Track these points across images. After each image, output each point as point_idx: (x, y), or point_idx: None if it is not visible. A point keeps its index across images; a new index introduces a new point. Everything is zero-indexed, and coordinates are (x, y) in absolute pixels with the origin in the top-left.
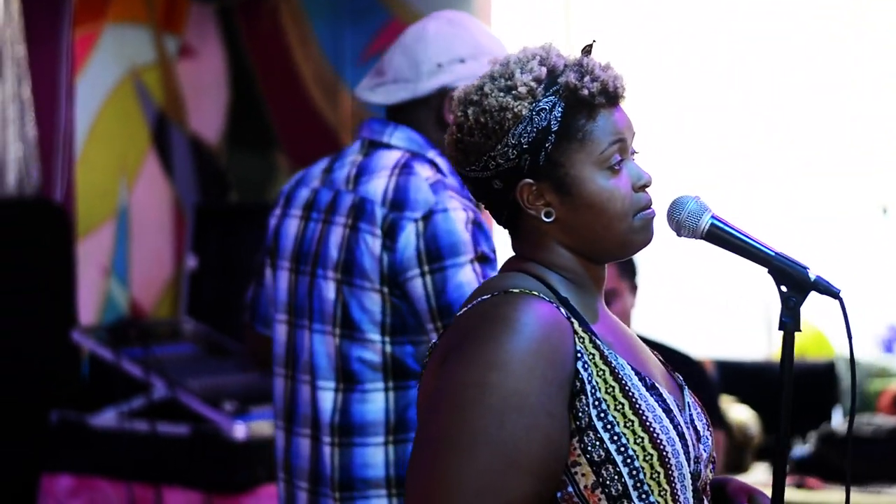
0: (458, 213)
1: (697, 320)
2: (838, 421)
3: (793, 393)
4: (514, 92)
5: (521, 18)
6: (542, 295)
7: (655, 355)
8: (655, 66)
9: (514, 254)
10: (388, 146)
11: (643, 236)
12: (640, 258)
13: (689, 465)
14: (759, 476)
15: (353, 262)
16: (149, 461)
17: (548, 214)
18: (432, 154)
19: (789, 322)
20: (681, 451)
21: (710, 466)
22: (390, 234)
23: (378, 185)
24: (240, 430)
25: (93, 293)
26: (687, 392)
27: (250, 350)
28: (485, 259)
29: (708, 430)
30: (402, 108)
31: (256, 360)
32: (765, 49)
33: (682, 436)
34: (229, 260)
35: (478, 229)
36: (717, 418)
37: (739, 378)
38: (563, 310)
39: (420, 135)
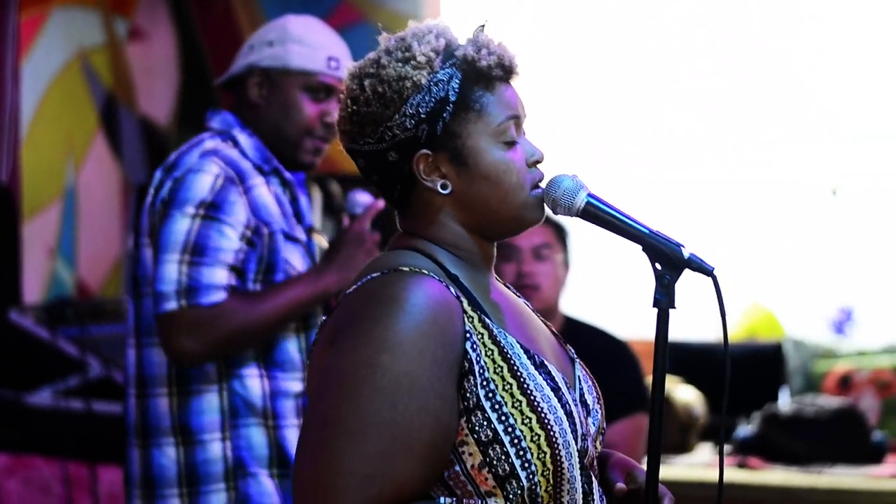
0: (207, 175)
1: (641, 300)
2: (785, 402)
3: (730, 373)
4: (412, 62)
5: (471, 14)
6: (431, 273)
7: (547, 326)
8: (606, 45)
9: (401, 231)
10: (209, 129)
11: (535, 213)
12: (583, 233)
13: (576, 443)
14: (704, 456)
15: (141, 222)
16: (84, 439)
17: (444, 186)
18: (236, 131)
19: (663, 299)
20: (568, 430)
21: (600, 439)
22: (155, 192)
23: (169, 158)
24: None
25: (38, 273)
26: (578, 365)
27: None
28: (210, 219)
29: (598, 402)
30: (232, 93)
31: None
32: (716, 31)
33: (570, 414)
34: None
35: (225, 193)
36: (638, 401)
37: (685, 359)
38: (452, 288)
39: (233, 116)
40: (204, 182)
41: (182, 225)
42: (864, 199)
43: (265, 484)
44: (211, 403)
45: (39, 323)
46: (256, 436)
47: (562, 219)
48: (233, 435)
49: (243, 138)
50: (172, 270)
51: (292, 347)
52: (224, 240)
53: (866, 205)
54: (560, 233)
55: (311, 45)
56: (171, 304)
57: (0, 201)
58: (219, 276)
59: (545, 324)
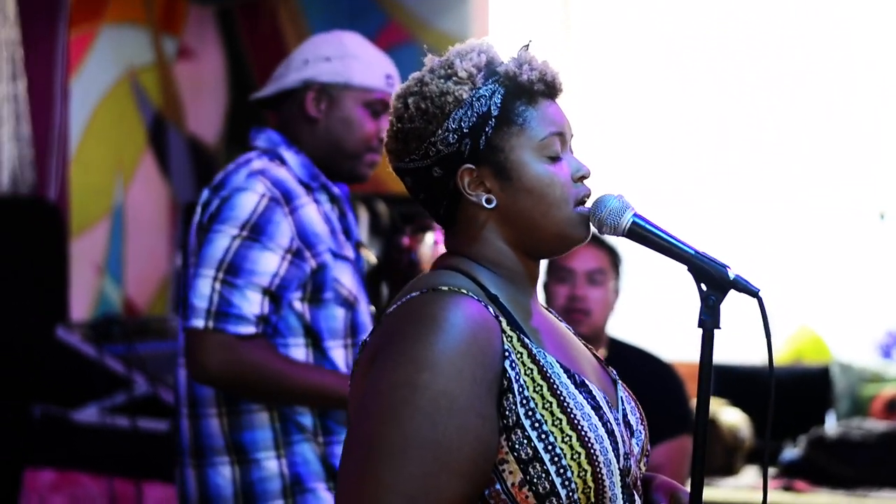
0: (252, 194)
1: (686, 321)
2: (831, 425)
3: (776, 396)
4: (454, 78)
5: (519, 21)
6: (470, 293)
7: (589, 349)
8: (656, 67)
9: (446, 250)
10: (255, 148)
11: (580, 231)
12: (634, 256)
13: (618, 462)
14: (749, 479)
15: (189, 240)
16: (130, 456)
17: (488, 201)
18: (282, 149)
19: (708, 320)
20: (609, 449)
21: (644, 460)
22: (203, 210)
23: (217, 177)
24: None
25: (86, 291)
26: (620, 387)
27: None
28: (251, 240)
29: (642, 423)
30: (277, 107)
31: None
32: (765, 52)
33: (611, 433)
34: None
35: (273, 214)
36: (681, 423)
37: (731, 381)
38: (491, 308)
39: (278, 134)
40: (249, 202)
41: (222, 243)
42: None
43: (324, 498)
44: (262, 421)
45: (86, 340)
46: (309, 452)
47: (616, 244)
48: (287, 452)
49: (290, 156)
50: (206, 286)
51: (340, 362)
52: (262, 262)
53: None
54: (614, 259)
55: (369, 61)
56: (199, 322)
57: (49, 219)
58: (251, 301)
59: (587, 346)
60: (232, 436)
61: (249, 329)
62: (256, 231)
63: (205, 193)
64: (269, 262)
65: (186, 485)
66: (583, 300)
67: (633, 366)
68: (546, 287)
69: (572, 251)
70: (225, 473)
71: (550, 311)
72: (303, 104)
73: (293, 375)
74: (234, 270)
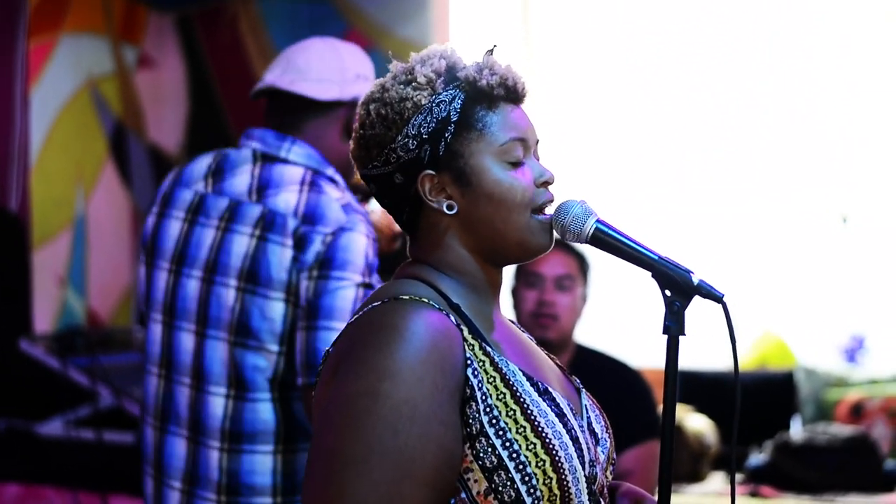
0: (362, 237)
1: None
2: (797, 430)
3: (742, 401)
4: (413, 83)
5: (480, 27)
6: (431, 302)
7: (552, 358)
8: (616, 73)
9: (409, 258)
10: (285, 161)
11: (542, 238)
12: (598, 263)
13: (584, 469)
14: (716, 485)
15: (259, 271)
16: (95, 469)
17: (450, 207)
18: (331, 171)
19: (673, 326)
20: (574, 456)
21: (610, 468)
22: (300, 245)
23: (289, 199)
24: None
25: (49, 302)
26: (584, 395)
27: None
28: (370, 287)
29: (607, 431)
30: (302, 118)
31: None
32: (728, 57)
33: (576, 440)
34: None
35: (375, 256)
36: (648, 428)
37: (697, 387)
38: (452, 317)
39: (316, 150)
40: (361, 245)
41: (350, 294)
42: (874, 227)
43: None
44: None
45: (50, 353)
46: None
47: (584, 251)
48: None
49: (339, 180)
50: None
51: None
52: None
53: (877, 232)
54: (583, 265)
55: None
56: None
57: (10, 230)
58: None
59: (549, 356)
60: (283, 476)
61: None
62: (371, 276)
63: (290, 223)
64: None
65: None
66: (551, 305)
67: (599, 372)
68: (514, 291)
69: (543, 258)
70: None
71: (513, 323)
72: (349, 120)
73: None
74: None
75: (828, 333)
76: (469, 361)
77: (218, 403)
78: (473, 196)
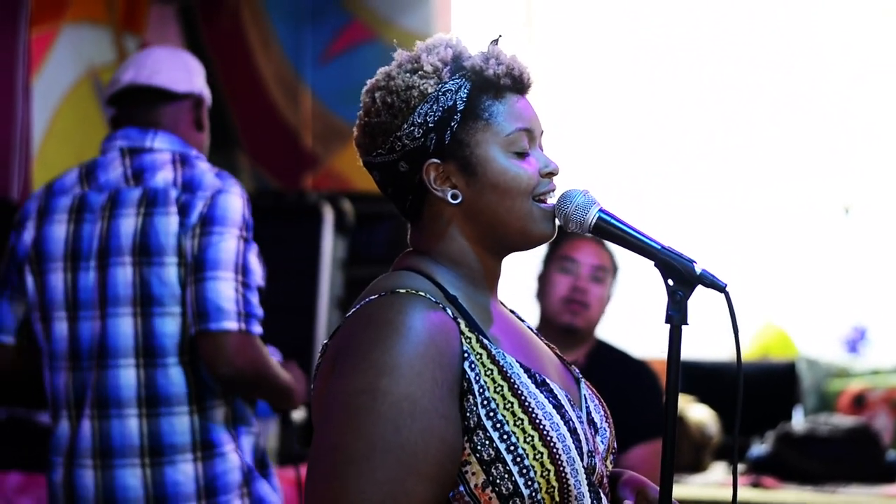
0: (237, 197)
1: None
2: (798, 421)
3: (744, 392)
4: (420, 72)
5: (482, 18)
6: (428, 295)
7: (551, 348)
8: (618, 63)
9: (410, 248)
10: (152, 150)
11: (545, 227)
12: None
13: (582, 460)
14: (718, 475)
15: (149, 242)
16: None
17: (454, 196)
18: (195, 152)
19: (676, 315)
20: (572, 447)
21: (610, 458)
22: (184, 211)
23: (167, 176)
24: None
25: None
26: (584, 385)
27: None
28: (248, 241)
29: (607, 421)
30: (160, 110)
31: None
32: (729, 47)
33: (573, 431)
34: None
35: (251, 216)
36: (656, 426)
37: (699, 378)
38: (449, 310)
39: (177, 137)
40: (239, 205)
41: (232, 245)
42: (876, 218)
43: (269, 484)
44: (220, 417)
45: None
46: (248, 444)
47: (614, 249)
48: (237, 446)
49: (202, 157)
50: (230, 289)
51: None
52: (257, 264)
53: (879, 223)
54: (614, 263)
55: None
56: (232, 324)
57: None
58: (257, 302)
59: (548, 345)
60: (201, 433)
61: (259, 328)
62: (250, 232)
63: (171, 194)
64: (257, 264)
65: (115, 483)
66: (584, 293)
67: (613, 367)
68: (544, 275)
69: (579, 245)
70: (187, 470)
71: (513, 312)
72: (199, 112)
73: (279, 372)
74: (246, 273)
75: (830, 324)
76: (466, 354)
77: (129, 375)
78: (478, 186)
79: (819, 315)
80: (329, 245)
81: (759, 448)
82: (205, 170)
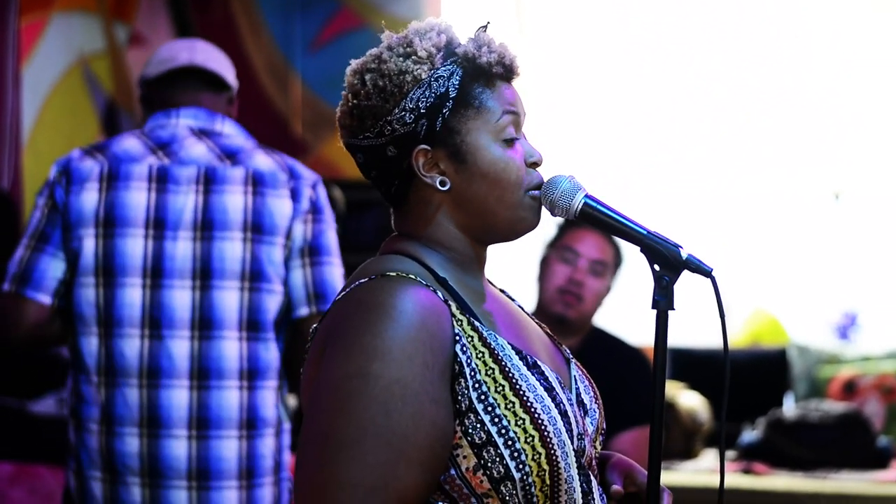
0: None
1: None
2: (789, 407)
3: (734, 379)
4: (413, 57)
5: (471, 5)
6: (418, 278)
7: (542, 327)
8: (608, 52)
9: (395, 232)
10: (221, 134)
11: (531, 217)
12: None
13: (572, 443)
14: (708, 462)
15: (262, 221)
16: None
17: (442, 183)
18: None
19: (662, 301)
20: (563, 430)
21: (599, 439)
22: (294, 196)
23: (266, 161)
24: None
25: None
26: (574, 365)
27: (19, 317)
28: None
29: (596, 402)
30: (217, 98)
31: (25, 328)
32: (719, 34)
33: (564, 414)
34: None
35: None
36: (644, 411)
37: (689, 365)
38: (440, 293)
39: (238, 125)
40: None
41: (334, 234)
42: (867, 204)
43: None
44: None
45: None
46: None
47: (621, 245)
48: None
49: None
50: (340, 276)
51: None
52: None
53: (870, 209)
54: (617, 257)
55: None
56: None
57: (2, 208)
58: None
59: (539, 325)
60: (279, 409)
61: None
62: None
63: (280, 178)
64: None
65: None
66: (580, 285)
67: (606, 353)
68: (545, 261)
69: (583, 236)
70: (270, 444)
71: (503, 292)
72: (231, 103)
73: None
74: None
75: (820, 310)
76: (458, 337)
77: (232, 346)
78: (468, 173)
79: (809, 301)
80: None
81: (749, 434)
82: (295, 160)
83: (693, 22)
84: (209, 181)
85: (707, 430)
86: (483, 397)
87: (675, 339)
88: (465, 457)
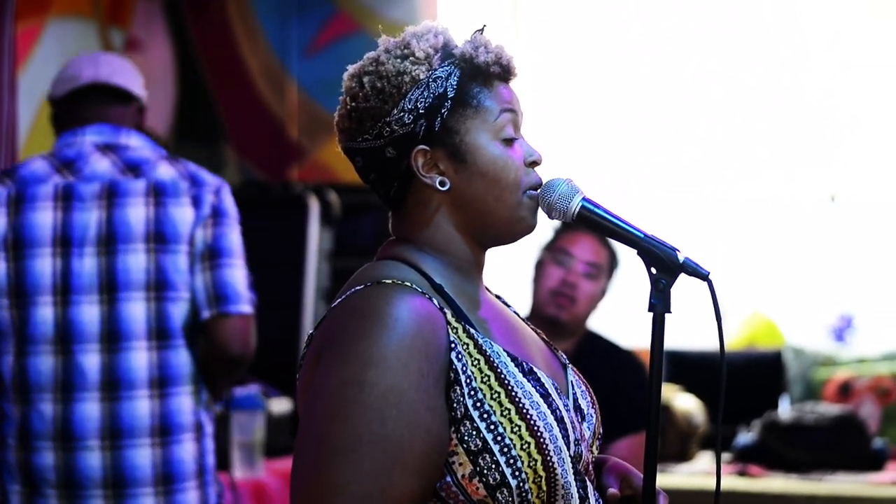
0: (230, 193)
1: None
2: (785, 409)
3: (730, 381)
4: (411, 58)
5: (467, 9)
6: (414, 285)
7: (538, 333)
8: (604, 55)
9: (392, 236)
10: (127, 147)
11: (530, 218)
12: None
13: (569, 449)
14: (704, 464)
15: (164, 230)
16: None
17: (442, 184)
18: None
19: (659, 304)
20: (559, 437)
21: (596, 444)
22: (196, 203)
23: (169, 171)
24: None
25: None
26: (570, 371)
27: None
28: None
29: (593, 407)
30: (123, 111)
31: None
32: (714, 35)
33: (560, 420)
34: None
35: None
36: (641, 417)
37: (685, 367)
38: (436, 300)
39: (145, 136)
40: (232, 199)
41: (237, 235)
42: (863, 206)
43: None
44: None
45: None
46: None
47: (617, 248)
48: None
49: None
50: (242, 276)
51: None
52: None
53: (865, 211)
54: (612, 260)
55: None
56: (247, 307)
57: None
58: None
59: (535, 331)
60: (196, 415)
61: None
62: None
63: (181, 186)
64: None
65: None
66: (573, 288)
67: (602, 358)
68: (540, 264)
69: (578, 239)
70: (190, 449)
71: (499, 298)
72: (141, 116)
73: None
74: (246, 261)
75: (816, 313)
76: (453, 345)
77: (141, 357)
78: (467, 173)
79: (806, 304)
80: (315, 236)
81: (745, 437)
82: (199, 167)
83: (689, 24)
84: (112, 195)
85: (703, 433)
86: (479, 405)
87: (672, 342)
88: (460, 464)
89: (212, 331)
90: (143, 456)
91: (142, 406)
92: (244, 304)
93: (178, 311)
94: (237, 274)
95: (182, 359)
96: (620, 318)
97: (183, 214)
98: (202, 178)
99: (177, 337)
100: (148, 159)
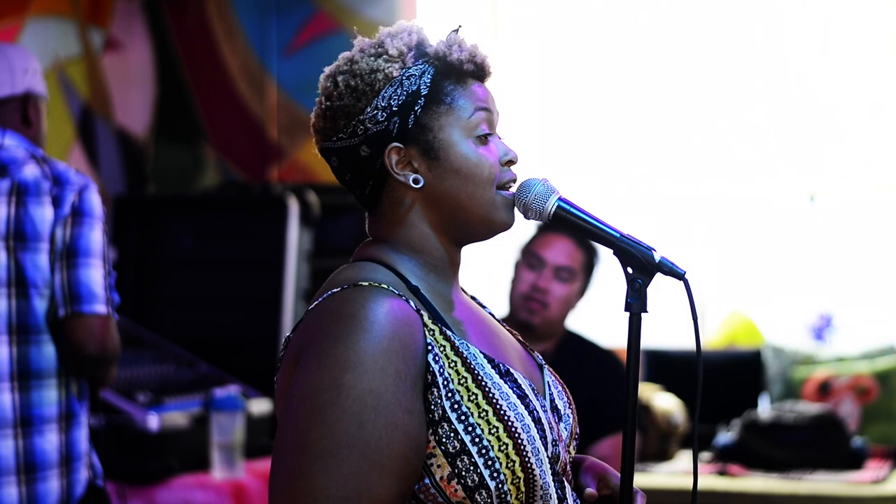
0: (97, 193)
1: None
2: (764, 408)
3: (709, 380)
4: (384, 56)
5: (446, 9)
6: (391, 287)
7: (513, 334)
8: (582, 56)
9: (369, 237)
10: (1, 147)
11: (505, 215)
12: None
13: (546, 449)
14: (684, 464)
15: (24, 229)
16: None
17: (416, 181)
18: (41, 151)
19: (635, 303)
20: (537, 437)
21: (573, 444)
22: (56, 202)
23: (34, 171)
24: (153, 422)
25: None
26: (547, 371)
27: None
28: (106, 233)
29: (570, 407)
30: None
31: None
32: (692, 35)
33: (538, 421)
34: (150, 251)
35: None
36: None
37: (665, 367)
38: (412, 301)
39: (23, 136)
40: (100, 200)
41: (99, 236)
42: (841, 206)
43: None
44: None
45: None
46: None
47: (597, 248)
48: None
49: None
50: (100, 276)
51: None
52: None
53: (844, 211)
54: (590, 261)
55: None
56: (102, 308)
57: None
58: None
59: (511, 332)
60: (67, 405)
61: (115, 315)
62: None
63: (43, 186)
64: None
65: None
66: (544, 293)
67: (581, 359)
68: (515, 267)
69: (551, 242)
70: (53, 439)
71: (474, 299)
72: (26, 110)
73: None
74: (108, 262)
75: (796, 312)
76: (430, 347)
77: (2, 351)
78: (441, 170)
79: (785, 303)
80: (294, 237)
81: (724, 436)
82: (66, 167)
83: (668, 24)
84: None
85: (682, 432)
86: (456, 406)
87: (651, 341)
88: (439, 466)
89: (67, 329)
90: (6, 447)
91: (3, 399)
92: (99, 304)
93: (41, 308)
94: (94, 274)
95: (46, 353)
96: (598, 317)
97: (43, 213)
98: (67, 177)
99: (40, 332)
100: (16, 159)
